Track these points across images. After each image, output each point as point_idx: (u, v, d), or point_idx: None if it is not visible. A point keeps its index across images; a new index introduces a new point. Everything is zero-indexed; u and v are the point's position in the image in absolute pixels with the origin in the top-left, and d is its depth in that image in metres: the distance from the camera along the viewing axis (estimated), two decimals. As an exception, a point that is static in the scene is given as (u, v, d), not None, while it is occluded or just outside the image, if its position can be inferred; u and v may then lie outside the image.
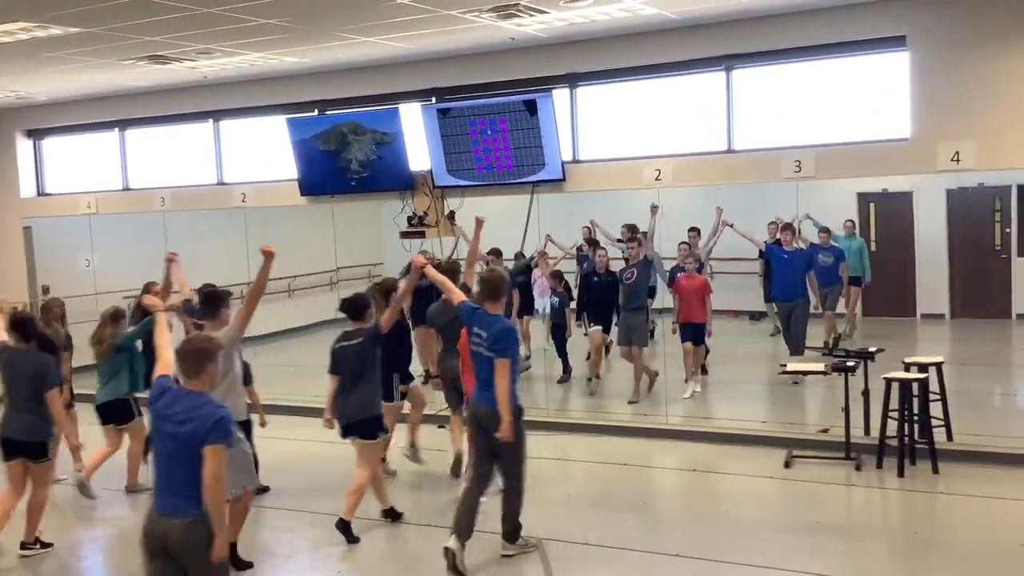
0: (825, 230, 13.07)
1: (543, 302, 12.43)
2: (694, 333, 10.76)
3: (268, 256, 6.38)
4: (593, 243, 12.78)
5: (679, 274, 10.98)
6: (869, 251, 14.11)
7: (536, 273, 12.46)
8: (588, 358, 11.74)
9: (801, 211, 12.37)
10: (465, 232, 11.05)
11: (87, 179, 13.27)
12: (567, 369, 12.04)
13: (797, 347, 11.27)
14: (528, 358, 12.48)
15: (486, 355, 6.33)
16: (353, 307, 7.25)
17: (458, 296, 6.72)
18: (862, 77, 8.87)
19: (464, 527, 6.37)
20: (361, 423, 7.11)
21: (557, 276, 12.16)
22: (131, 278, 13.85)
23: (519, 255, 12.45)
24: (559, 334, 12.02)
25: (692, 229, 12.74)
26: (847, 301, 13.59)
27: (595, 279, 11.18)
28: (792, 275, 11.45)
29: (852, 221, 14.16)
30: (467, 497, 6.49)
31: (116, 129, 12.90)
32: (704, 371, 11.42)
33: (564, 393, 11.78)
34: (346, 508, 7.07)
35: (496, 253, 11.89)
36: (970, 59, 8.18)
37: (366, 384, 7.11)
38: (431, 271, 7.02)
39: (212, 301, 6.79)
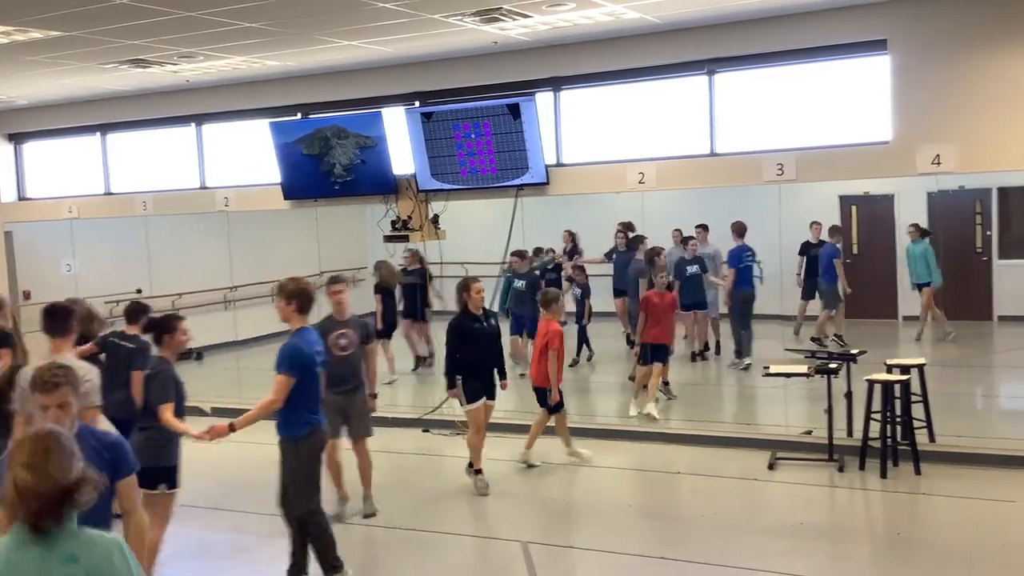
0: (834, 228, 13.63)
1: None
2: (664, 354, 10.16)
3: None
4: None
5: (650, 291, 10.28)
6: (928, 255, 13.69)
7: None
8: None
9: (784, 214, 12.41)
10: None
11: (68, 183, 13.19)
12: (588, 351, 13.16)
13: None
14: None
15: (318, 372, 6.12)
16: (152, 324, 6.28)
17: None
18: (843, 81, 8.91)
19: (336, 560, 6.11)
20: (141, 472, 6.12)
21: (581, 268, 13.18)
22: (113, 283, 13.85)
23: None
24: (576, 321, 13.03)
25: (700, 226, 12.98)
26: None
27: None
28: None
29: (916, 225, 13.81)
30: (324, 534, 6.13)
31: (98, 133, 12.82)
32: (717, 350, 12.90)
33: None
34: None
35: (520, 255, 12.25)
36: (951, 63, 8.23)
37: (144, 423, 6.04)
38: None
39: (57, 316, 5.72)
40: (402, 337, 13.17)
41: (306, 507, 6.09)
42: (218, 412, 8.89)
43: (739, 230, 12.38)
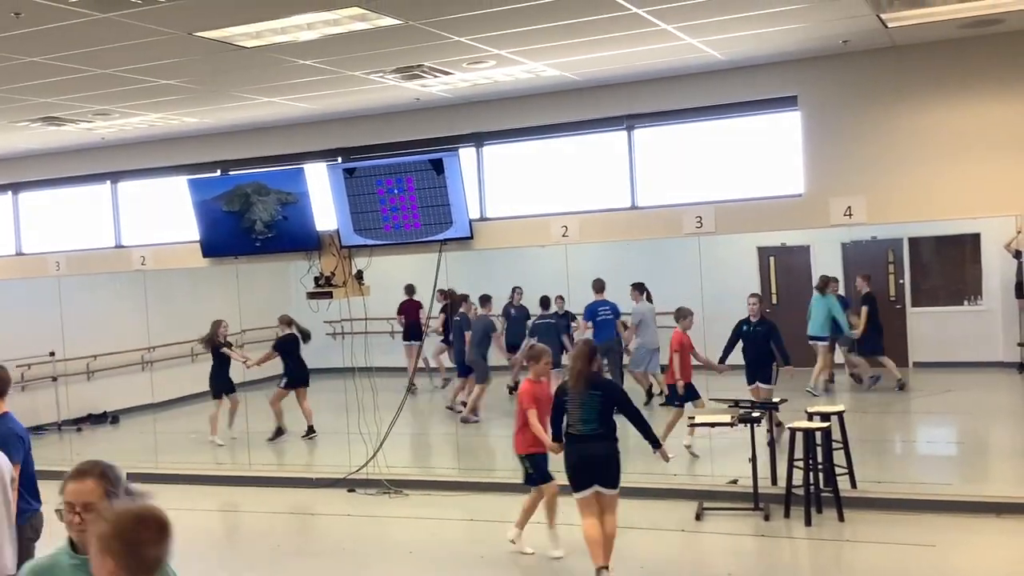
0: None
1: None
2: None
3: None
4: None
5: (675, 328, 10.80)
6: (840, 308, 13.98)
7: None
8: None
9: (704, 265, 12.57)
10: None
11: (-23, 244, 12.77)
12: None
13: None
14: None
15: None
16: None
17: None
18: (758, 135, 9.15)
19: None
20: None
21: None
22: (25, 346, 13.38)
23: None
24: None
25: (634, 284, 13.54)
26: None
27: (744, 328, 10.82)
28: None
29: (825, 279, 14.07)
30: None
31: (9, 192, 12.48)
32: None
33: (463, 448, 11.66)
34: None
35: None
36: (858, 118, 8.52)
37: None
38: None
39: None
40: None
41: None
42: (133, 478, 8.57)
43: (597, 287, 13.31)
